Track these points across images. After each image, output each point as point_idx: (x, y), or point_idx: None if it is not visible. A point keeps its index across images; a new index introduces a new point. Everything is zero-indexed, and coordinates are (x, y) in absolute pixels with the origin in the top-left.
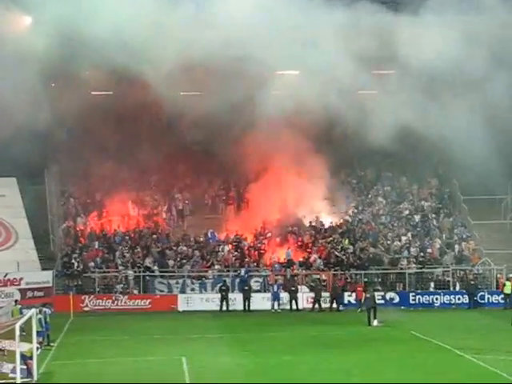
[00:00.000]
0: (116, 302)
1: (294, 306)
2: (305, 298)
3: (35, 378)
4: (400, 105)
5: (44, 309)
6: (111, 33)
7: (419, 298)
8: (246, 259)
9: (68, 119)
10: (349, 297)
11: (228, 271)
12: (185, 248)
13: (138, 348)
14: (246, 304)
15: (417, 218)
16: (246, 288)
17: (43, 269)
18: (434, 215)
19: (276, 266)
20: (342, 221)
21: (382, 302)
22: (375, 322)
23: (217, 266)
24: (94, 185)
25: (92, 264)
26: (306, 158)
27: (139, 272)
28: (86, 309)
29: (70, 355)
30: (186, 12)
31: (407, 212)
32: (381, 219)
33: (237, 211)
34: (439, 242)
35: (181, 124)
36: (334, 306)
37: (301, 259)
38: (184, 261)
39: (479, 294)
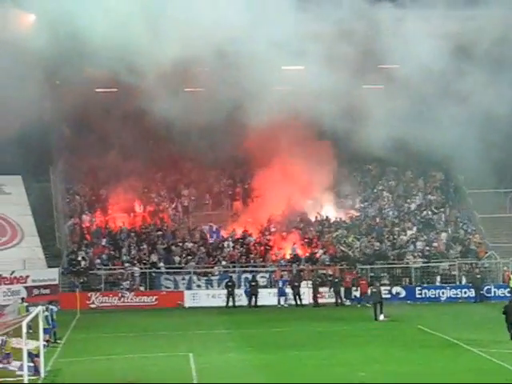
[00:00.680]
0: (122, 298)
1: (299, 302)
2: (311, 294)
3: (42, 375)
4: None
5: (50, 306)
6: (110, 30)
7: (425, 293)
8: (252, 255)
9: (72, 117)
10: (355, 291)
11: (234, 267)
12: (191, 244)
13: (145, 345)
14: (253, 300)
15: (422, 212)
16: (254, 284)
17: (49, 266)
18: (439, 209)
19: (282, 261)
20: (347, 215)
21: (389, 296)
22: (381, 317)
23: (223, 262)
24: (100, 182)
25: (98, 261)
26: (312, 150)
27: (145, 269)
28: (92, 306)
29: (77, 352)
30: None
31: (413, 206)
32: (386, 214)
33: (243, 207)
34: (445, 236)
35: (185, 120)
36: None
37: (307, 254)
38: (190, 257)
39: (485, 288)
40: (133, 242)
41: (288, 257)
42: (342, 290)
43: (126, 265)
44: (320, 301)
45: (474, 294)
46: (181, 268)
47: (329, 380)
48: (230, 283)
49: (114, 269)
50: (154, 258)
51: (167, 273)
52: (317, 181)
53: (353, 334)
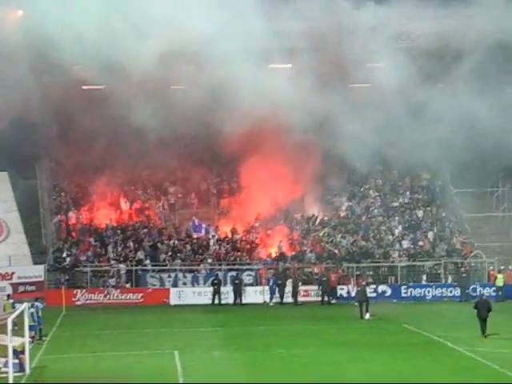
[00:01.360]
0: (108, 296)
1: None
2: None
3: (27, 372)
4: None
5: (36, 303)
6: (97, 27)
7: (411, 291)
8: (238, 253)
9: (59, 113)
10: (341, 290)
11: (220, 265)
12: (177, 242)
13: (131, 342)
14: (238, 298)
15: (408, 211)
16: (237, 282)
17: (35, 263)
18: (425, 208)
19: (268, 259)
20: (334, 214)
21: (374, 295)
22: (367, 316)
23: (209, 260)
24: (86, 179)
25: (84, 258)
26: (297, 149)
27: (131, 266)
28: (78, 303)
29: (63, 349)
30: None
31: (399, 205)
32: (373, 212)
33: (229, 204)
34: (431, 235)
35: (171, 117)
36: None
37: (293, 253)
38: (177, 254)
39: (471, 287)
40: (119, 239)
41: (274, 255)
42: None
43: (112, 262)
44: (306, 299)
45: (459, 293)
46: (167, 265)
47: (315, 379)
48: (215, 281)
49: (100, 266)
50: (140, 255)
51: (153, 270)
52: (303, 179)
53: (338, 332)
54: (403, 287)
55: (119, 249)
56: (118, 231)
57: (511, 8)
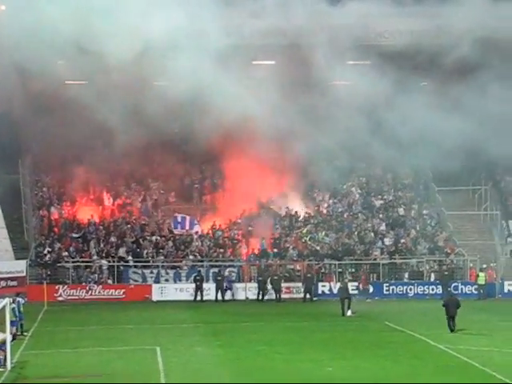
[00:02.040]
0: (90, 291)
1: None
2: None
3: (9, 367)
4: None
5: (18, 298)
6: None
7: (393, 289)
8: (221, 249)
9: (42, 109)
10: (323, 287)
11: (202, 261)
12: (159, 238)
13: (112, 338)
14: (219, 294)
15: (391, 208)
16: (219, 278)
17: (17, 258)
18: (408, 206)
19: (251, 256)
20: (316, 211)
21: (356, 292)
22: (349, 313)
23: (191, 257)
24: (69, 174)
25: (66, 254)
26: (281, 146)
27: (113, 262)
28: (59, 298)
29: (44, 345)
30: None
31: (382, 202)
32: (355, 210)
33: (212, 201)
34: (413, 233)
35: (155, 113)
36: (308, 296)
37: (275, 250)
38: (160, 250)
39: (453, 285)
40: (101, 235)
41: (256, 252)
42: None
43: (94, 258)
44: (289, 296)
45: (441, 291)
46: (149, 262)
47: (296, 375)
48: (198, 277)
49: (82, 262)
50: (122, 251)
51: (135, 266)
52: (286, 176)
53: (320, 329)
54: (385, 285)
55: (101, 244)
56: (101, 227)
57: (491, 5)
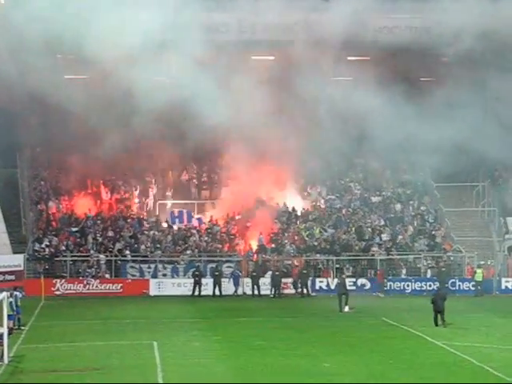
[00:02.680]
0: (87, 286)
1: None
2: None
3: (6, 361)
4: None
5: (15, 292)
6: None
7: (390, 285)
8: (219, 245)
9: (41, 103)
10: (320, 283)
11: (200, 256)
12: (157, 233)
13: (109, 332)
14: (217, 289)
15: (389, 204)
16: (217, 273)
17: (14, 252)
18: (406, 202)
19: (249, 251)
20: (314, 206)
21: (354, 288)
22: (346, 308)
23: (188, 252)
24: (67, 169)
25: (63, 248)
26: (280, 141)
27: (111, 256)
28: (57, 293)
29: (41, 339)
30: None
31: (379, 198)
32: (354, 205)
33: (210, 196)
34: (411, 229)
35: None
36: (305, 291)
37: (273, 245)
38: (157, 245)
39: (450, 281)
40: (99, 229)
41: (254, 247)
42: (310, 280)
43: (92, 252)
44: (286, 292)
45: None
46: (147, 256)
47: (293, 370)
48: (197, 272)
49: (80, 256)
50: (119, 245)
51: (133, 261)
52: (284, 172)
53: (317, 325)
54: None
55: (99, 239)
56: (98, 221)
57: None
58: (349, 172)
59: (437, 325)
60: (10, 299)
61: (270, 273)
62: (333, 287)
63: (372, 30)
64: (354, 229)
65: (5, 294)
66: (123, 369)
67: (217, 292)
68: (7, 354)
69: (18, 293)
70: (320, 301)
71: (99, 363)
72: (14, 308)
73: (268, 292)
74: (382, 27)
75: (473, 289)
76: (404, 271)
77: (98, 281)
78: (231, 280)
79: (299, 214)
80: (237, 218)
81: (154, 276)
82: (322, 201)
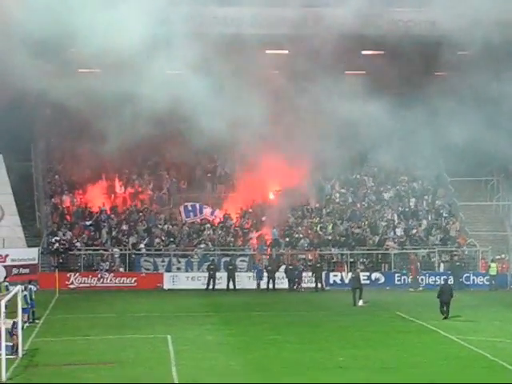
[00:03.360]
0: (101, 279)
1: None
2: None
3: (20, 354)
4: None
5: (29, 286)
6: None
7: (404, 279)
8: (232, 238)
9: (55, 96)
10: (334, 277)
11: (214, 250)
12: (171, 227)
13: (123, 326)
14: (231, 283)
15: (403, 198)
16: (231, 267)
17: (29, 246)
18: (420, 196)
19: (262, 245)
20: (328, 200)
21: (368, 282)
22: (360, 302)
23: (202, 245)
24: (81, 162)
25: (78, 241)
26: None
27: (125, 250)
28: (71, 286)
29: (55, 332)
30: None
31: (393, 193)
32: (367, 199)
33: (224, 190)
34: (425, 223)
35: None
36: (319, 285)
37: (286, 239)
38: (171, 239)
39: (464, 276)
40: (113, 223)
41: (268, 241)
42: (324, 274)
43: (106, 246)
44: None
45: (452, 282)
46: (161, 250)
47: (307, 365)
48: (211, 266)
49: (94, 250)
50: (133, 239)
51: (147, 255)
52: (298, 164)
53: (331, 319)
54: (396, 275)
55: (113, 233)
56: (112, 215)
57: None
58: (363, 166)
59: (445, 317)
60: (25, 292)
61: (283, 267)
62: (347, 281)
63: (386, 24)
64: (367, 223)
65: (19, 287)
66: (137, 362)
67: (231, 286)
68: (21, 347)
69: (32, 286)
70: (334, 295)
71: (113, 357)
72: (29, 301)
73: (282, 286)
74: (397, 20)
75: (487, 283)
76: (418, 265)
77: (112, 274)
78: (254, 274)
79: (313, 208)
80: (250, 210)
81: (168, 270)
82: (338, 194)
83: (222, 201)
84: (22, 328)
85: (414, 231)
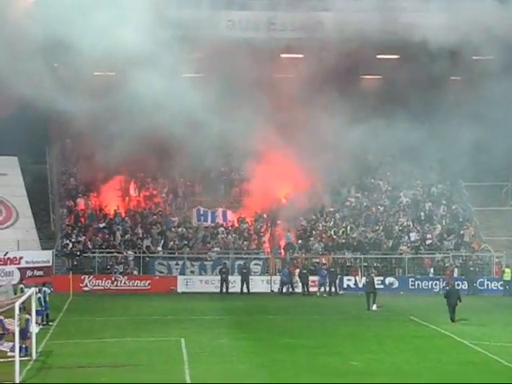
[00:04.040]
0: (115, 282)
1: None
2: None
3: (34, 356)
4: None
5: (43, 288)
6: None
7: (418, 284)
8: (246, 242)
9: (70, 99)
10: (348, 281)
11: (227, 254)
12: (185, 230)
13: (137, 329)
14: (245, 286)
15: (417, 203)
16: (245, 271)
17: (43, 248)
18: (435, 201)
19: (276, 249)
20: (342, 205)
21: (382, 286)
22: (374, 307)
23: (216, 249)
24: (96, 165)
25: (92, 244)
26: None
27: (139, 253)
28: (85, 289)
29: (69, 335)
30: None
31: (408, 197)
32: (382, 204)
33: (238, 194)
34: (439, 228)
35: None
36: (333, 289)
37: (300, 242)
38: (185, 242)
39: (478, 281)
40: (127, 226)
41: (282, 244)
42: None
43: (120, 248)
44: (314, 289)
45: (466, 287)
46: (175, 253)
47: (321, 369)
48: (224, 269)
49: (108, 252)
50: (147, 242)
51: (161, 258)
52: (312, 169)
53: (345, 323)
54: (411, 279)
55: (127, 236)
56: (127, 218)
57: None
58: (378, 170)
59: (452, 320)
60: (39, 295)
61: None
62: (360, 285)
63: (401, 28)
64: (381, 227)
65: (33, 289)
66: (151, 365)
67: (244, 289)
68: (35, 349)
69: (46, 288)
70: (348, 299)
71: (127, 359)
72: (43, 304)
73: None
74: (412, 24)
75: (501, 288)
76: (432, 270)
77: (126, 277)
78: (282, 277)
79: (327, 211)
80: (265, 214)
81: (182, 273)
82: (352, 198)
83: (236, 204)
84: (37, 330)
85: (429, 236)
